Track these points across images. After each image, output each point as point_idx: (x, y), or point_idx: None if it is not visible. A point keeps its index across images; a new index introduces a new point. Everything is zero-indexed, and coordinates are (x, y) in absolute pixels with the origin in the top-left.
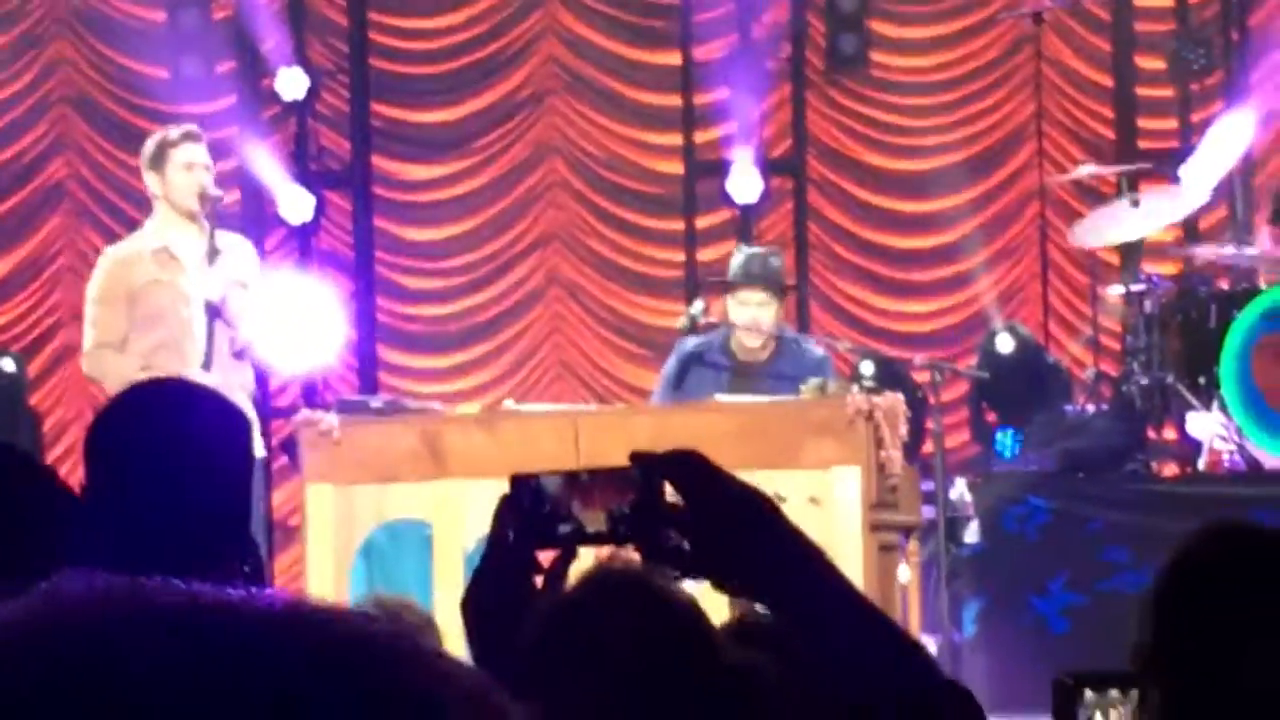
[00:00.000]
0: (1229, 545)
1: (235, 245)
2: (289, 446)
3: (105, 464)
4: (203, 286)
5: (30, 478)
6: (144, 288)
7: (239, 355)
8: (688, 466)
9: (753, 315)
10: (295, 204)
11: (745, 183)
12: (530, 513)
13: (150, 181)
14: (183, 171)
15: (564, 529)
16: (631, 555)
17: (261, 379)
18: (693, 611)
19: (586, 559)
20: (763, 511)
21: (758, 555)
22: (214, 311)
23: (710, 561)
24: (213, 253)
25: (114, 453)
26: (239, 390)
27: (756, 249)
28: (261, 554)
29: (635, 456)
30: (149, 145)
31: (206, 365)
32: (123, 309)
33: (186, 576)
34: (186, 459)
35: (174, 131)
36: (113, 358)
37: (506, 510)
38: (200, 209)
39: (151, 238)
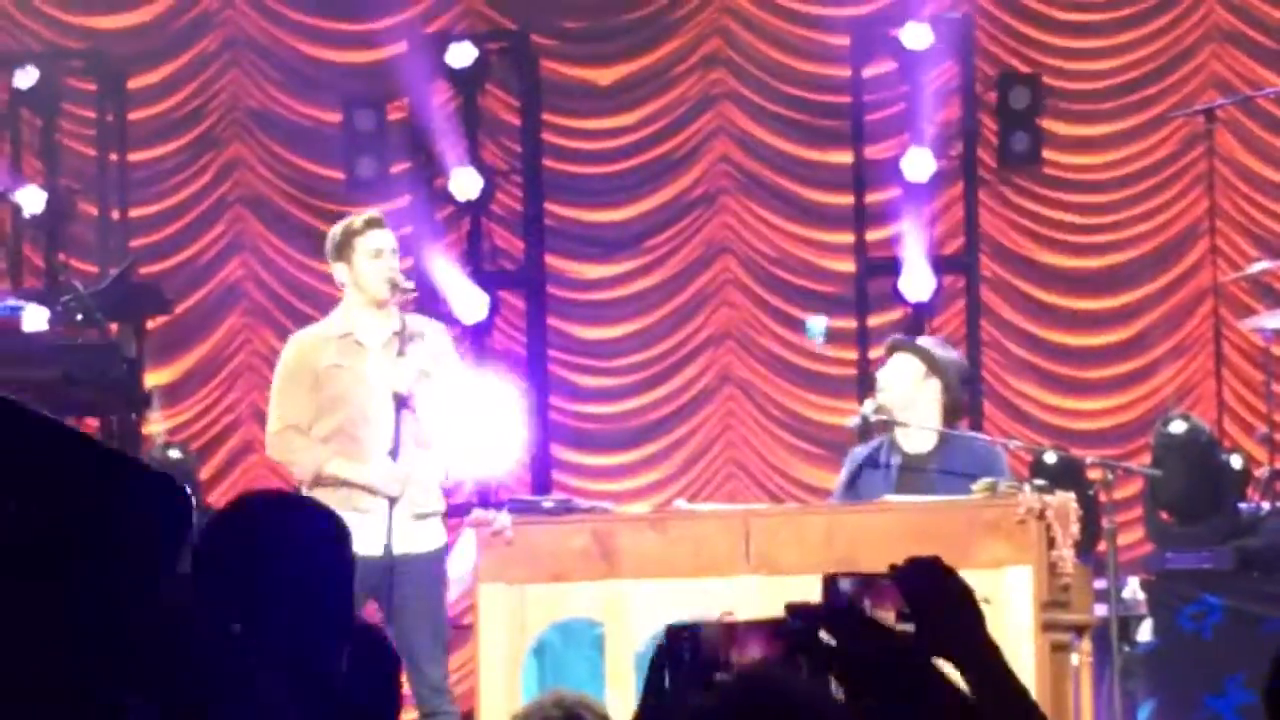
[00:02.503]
0: None
1: (428, 331)
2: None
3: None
4: (388, 374)
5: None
6: (326, 371)
7: (423, 446)
8: (842, 619)
9: (881, 376)
10: (469, 304)
11: (918, 281)
12: (689, 662)
13: (337, 271)
14: (370, 259)
15: (721, 676)
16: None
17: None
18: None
19: None
20: (917, 665)
21: (911, 706)
22: (401, 401)
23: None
24: (404, 340)
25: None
26: (434, 483)
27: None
28: (389, 653)
29: (791, 608)
30: (334, 233)
31: (394, 454)
32: (307, 391)
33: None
34: (277, 571)
35: (358, 219)
36: (299, 440)
37: (663, 659)
38: (390, 297)
39: (337, 324)
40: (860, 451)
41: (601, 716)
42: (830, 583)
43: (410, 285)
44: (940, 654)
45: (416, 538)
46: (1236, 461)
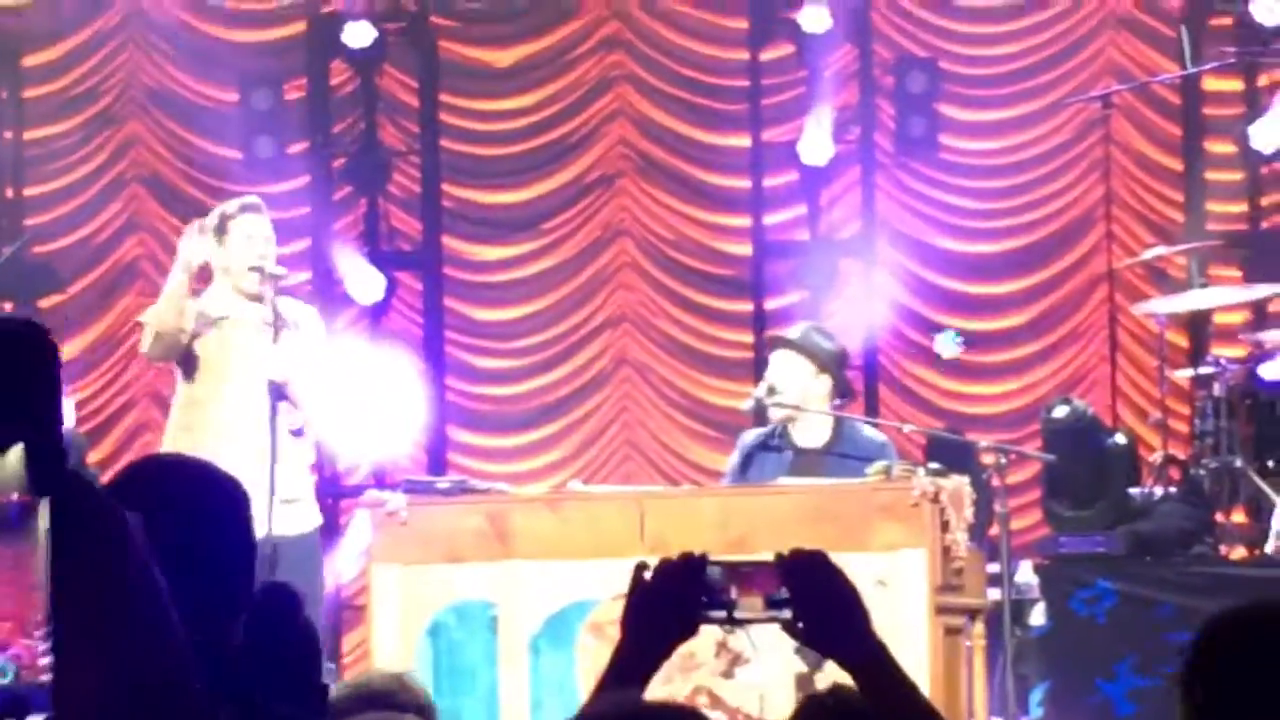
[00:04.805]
0: (1246, 625)
1: (300, 316)
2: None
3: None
4: (264, 363)
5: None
6: (198, 336)
7: (298, 433)
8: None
9: (771, 375)
10: (366, 284)
11: (814, 265)
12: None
13: (213, 254)
14: (243, 244)
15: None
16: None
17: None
18: None
19: None
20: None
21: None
22: (277, 391)
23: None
24: (278, 327)
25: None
26: (302, 468)
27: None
28: (311, 628)
29: (779, 558)
30: (210, 217)
31: (274, 443)
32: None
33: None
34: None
35: (234, 203)
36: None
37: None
38: (258, 286)
39: (213, 306)
40: (750, 439)
41: (420, 694)
42: (693, 567)
43: (281, 271)
44: (828, 652)
45: (288, 521)
46: (1120, 439)
